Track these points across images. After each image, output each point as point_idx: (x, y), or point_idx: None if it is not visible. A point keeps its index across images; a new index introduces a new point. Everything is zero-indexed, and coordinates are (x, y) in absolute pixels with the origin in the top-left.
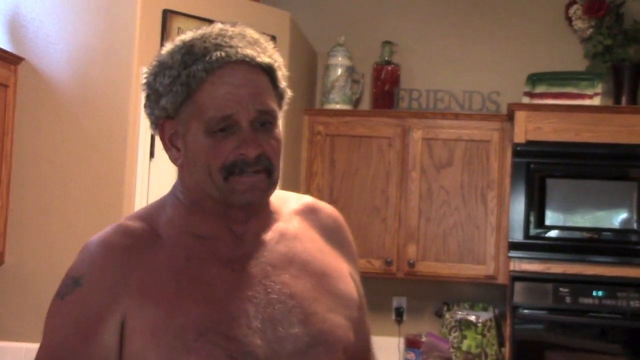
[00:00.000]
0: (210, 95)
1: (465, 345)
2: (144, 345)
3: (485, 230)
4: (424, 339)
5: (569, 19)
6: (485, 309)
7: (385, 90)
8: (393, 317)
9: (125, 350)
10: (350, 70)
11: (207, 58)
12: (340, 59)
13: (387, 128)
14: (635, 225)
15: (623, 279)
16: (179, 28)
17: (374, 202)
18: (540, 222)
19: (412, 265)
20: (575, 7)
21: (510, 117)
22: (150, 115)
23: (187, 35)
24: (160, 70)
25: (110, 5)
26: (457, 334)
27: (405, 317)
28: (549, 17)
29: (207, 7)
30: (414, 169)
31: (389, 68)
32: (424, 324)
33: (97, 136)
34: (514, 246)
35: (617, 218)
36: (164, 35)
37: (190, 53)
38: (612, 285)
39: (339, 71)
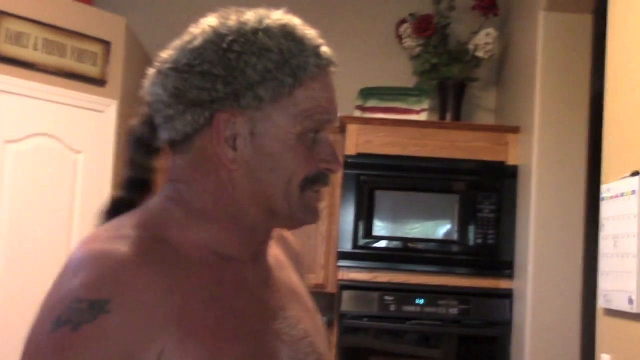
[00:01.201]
0: (313, 95)
1: None
2: None
3: (316, 239)
4: None
5: (400, 37)
6: None
7: None
8: None
9: None
10: None
11: (319, 54)
12: None
13: None
14: (455, 236)
15: (444, 287)
16: (7, 29)
17: None
18: (368, 232)
19: None
20: (405, 25)
21: (342, 130)
22: (200, 101)
23: (273, 16)
24: (251, 49)
25: None
26: None
27: None
28: (381, 34)
29: (40, 9)
30: None
31: None
32: None
33: None
34: (343, 255)
35: (440, 229)
36: None
37: (294, 40)
38: (433, 293)
39: None
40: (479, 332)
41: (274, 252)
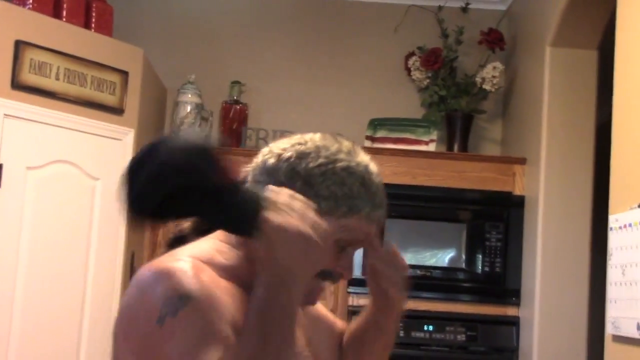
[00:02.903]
0: (358, 226)
1: None
2: None
3: None
4: None
5: (408, 70)
6: None
7: (234, 128)
8: None
9: None
10: (199, 108)
11: (374, 212)
12: (190, 96)
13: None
14: (462, 264)
15: (451, 314)
16: (31, 59)
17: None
18: None
19: None
20: (414, 58)
21: None
22: (282, 184)
23: (353, 158)
24: (332, 176)
25: None
26: None
27: None
28: (390, 66)
29: (62, 40)
30: None
31: (238, 107)
32: None
33: None
34: (353, 282)
35: (447, 257)
36: (16, 65)
37: (364, 187)
38: (441, 320)
39: (189, 108)
40: (485, 358)
41: None
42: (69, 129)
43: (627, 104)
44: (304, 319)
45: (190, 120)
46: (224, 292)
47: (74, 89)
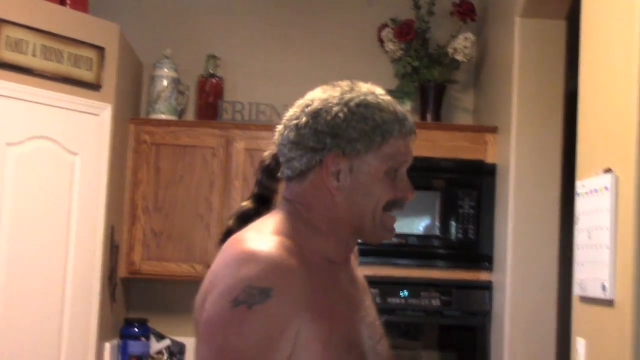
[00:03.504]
0: (396, 147)
1: None
2: (314, 355)
3: None
4: None
5: (381, 41)
6: None
7: (210, 102)
8: None
9: (294, 355)
10: (175, 82)
11: (404, 126)
12: (166, 70)
13: (211, 138)
14: (437, 231)
15: (426, 280)
16: (7, 36)
17: (198, 209)
18: None
19: None
20: (386, 30)
21: None
22: (316, 148)
23: (358, 90)
24: (352, 117)
25: None
26: None
27: None
28: (363, 38)
29: (38, 17)
30: (236, 178)
31: (213, 81)
32: None
33: None
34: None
35: (422, 224)
36: None
37: (382, 110)
38: (416, 285)
39: (165, 82)
40: (459, 322)
41: (349, 257)
42: (47, 105)
43: (593, 72)
44: (366, 294)
45: (167, 94)
46: (311, 272)
47: (51, 65)
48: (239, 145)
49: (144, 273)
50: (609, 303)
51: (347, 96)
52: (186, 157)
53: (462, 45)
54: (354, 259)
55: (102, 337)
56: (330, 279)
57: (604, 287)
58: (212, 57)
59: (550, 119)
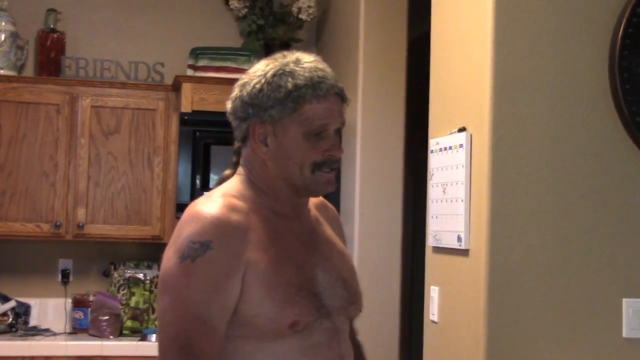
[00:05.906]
0: (313, 110)
1: (133, 301)
2: (261, 295)
3: (152, 193)
4: (92, 298)
5: None
6: (150, 267)
7: (52, 57)
8: (59, 278)
9: (243, 297)
10: (14, 36)
11: (318, 90)
12: (3, 24)
13: (54, 95)
14: None
15: None
16: None
17: (43, 168)
18: (205, 184)
19: (81, 227)
20: None
21: (175, 88)
22: (244, 117)
23: (281, 61)
24: (267, 87)
25: None
26: (125, 291)
27: (71, 279)
28: None
29: None
30: (82, 136)
31: (55, 36)
32: (90, 284)
33: None
34: (181, 207)
35: None
36: None
37: (295, 77)
38: None
39: (3, 36)
40: None
41: (314, 213)
42: None
43: (443, 35)
44: (340, 248)
45: (5, 49)
46: (258, 225)
47: None
48: (85, 103)
49: None
50: (464, 253)
51: (269, 67)
52: (29, 115)
53: (306, 4)
54: (333, 217)
55: None
56: (280, 230)
57: (459, 238)
58: (52, 10)
59: (394, 78)
